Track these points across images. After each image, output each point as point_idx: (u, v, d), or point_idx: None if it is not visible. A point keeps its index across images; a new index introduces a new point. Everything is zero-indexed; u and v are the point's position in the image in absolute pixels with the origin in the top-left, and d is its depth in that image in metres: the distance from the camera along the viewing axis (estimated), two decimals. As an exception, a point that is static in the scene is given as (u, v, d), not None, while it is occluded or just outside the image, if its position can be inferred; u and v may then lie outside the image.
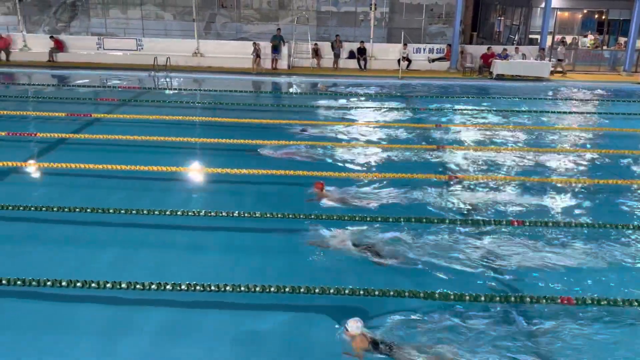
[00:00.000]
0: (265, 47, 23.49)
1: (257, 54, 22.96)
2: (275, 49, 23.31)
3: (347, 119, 15.09)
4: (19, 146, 11.81)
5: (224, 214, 8.19)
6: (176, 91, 18.74)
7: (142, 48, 24.16)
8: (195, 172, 10.63)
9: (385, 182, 9.88)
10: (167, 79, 21.07)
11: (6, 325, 5.71)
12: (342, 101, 17.49)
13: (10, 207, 8.19)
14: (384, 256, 7.18)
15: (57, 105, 15.62)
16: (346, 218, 8.22)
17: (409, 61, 23.84)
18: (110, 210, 8.16)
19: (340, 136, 13.18)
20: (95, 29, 29.36)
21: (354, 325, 5.46)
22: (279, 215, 8.16)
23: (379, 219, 8.20)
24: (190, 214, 8.21)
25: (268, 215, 8.17)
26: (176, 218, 8.14)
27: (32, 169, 10.52)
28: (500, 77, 22.22)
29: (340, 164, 11.01)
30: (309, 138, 12.66)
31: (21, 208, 8.19)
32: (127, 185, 9.72)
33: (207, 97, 18.09)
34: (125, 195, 9.24)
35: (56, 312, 6.03)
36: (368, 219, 8.21)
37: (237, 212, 8.21)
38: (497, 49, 23.83)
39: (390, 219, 8.16)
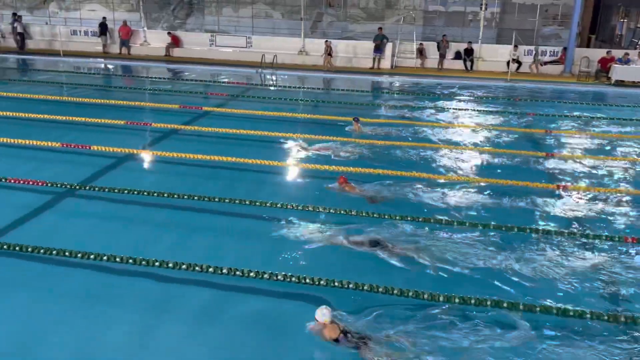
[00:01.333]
0: (337, 44, 23.93)
1: (328, 53, 23.13)
2: (378, 49, 23.26)
3: (445, 120, 14.76)
4: (136, 134, 12.65)
5: (321, 209, 8.30)
6: (281, 88, 19.22)
7: (251, 45, 25.04)
8: (292, 166, 10.80)
9: (479, 187, 9.57)
10: (273, 76, 21.67)
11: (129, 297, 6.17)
12: (443, 102, 17.12)
13: (125, 191, 8.80)
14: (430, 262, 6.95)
15: (171, 97, 16.59)
16: (409, 218, 8.06)
17: (519, 63, 22.87)
18: (216, 199, 8.53)
19: (435, 137, 12.92)
20: (208, 26, 30.80)
21: (321, 313, 5.43)
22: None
23: (458, 223, 7.97)
24: (278, 205, 8.41)
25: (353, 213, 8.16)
26: (266, 209, 8.37)
27: (146, 156, 11.23)
28: (620, 83, 20.72)
29: (429, 165, 10.81)
30: (398, 138, 12.53)
31: (135, 192, 8.78)
32: (241, 176, 10.09)
33: (309, 95, 18.38)
34: (232, 184, 9.61)
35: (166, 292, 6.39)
36: (443, 222, 8.02)
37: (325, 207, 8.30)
38: (618, 53, 22.23)
39: (483, 225, 7.89)
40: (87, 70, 22.14)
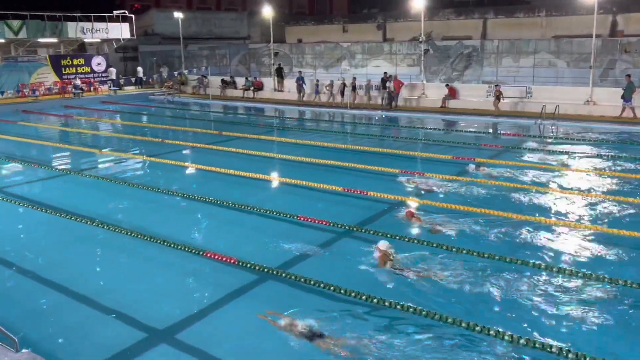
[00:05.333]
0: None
1: (497, 97, 22.95)
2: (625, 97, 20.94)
3: None
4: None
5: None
6: (562, 139, 17.96)
7: (530, 96, 24.12)
8: (555, 223, 9.85)
9: None
10: (553, 127, 20.38)
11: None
12: None
13: (397, 237, 9.17)
14: None
15: (445, 148, 16.87)
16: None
17: None
18: (487, 255, 8.29)
19: None
20: (486, 77, 30.73)
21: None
22: None
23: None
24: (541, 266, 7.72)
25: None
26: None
27: (415, 204, 11.40)
28: None
29: None
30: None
31: (405, 239, 9.11)
32: (508, 232, 9.71)
33: (595, 145, 16.70)
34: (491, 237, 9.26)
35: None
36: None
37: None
38: None
39: None
40: (369, 121, 23.97)
